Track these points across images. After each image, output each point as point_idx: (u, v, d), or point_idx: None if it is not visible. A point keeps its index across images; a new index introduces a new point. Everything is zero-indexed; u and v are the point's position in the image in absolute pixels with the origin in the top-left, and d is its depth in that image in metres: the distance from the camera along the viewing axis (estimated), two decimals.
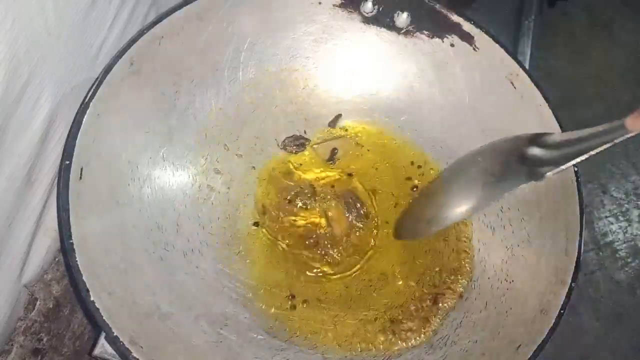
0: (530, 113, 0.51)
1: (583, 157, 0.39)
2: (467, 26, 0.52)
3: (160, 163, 0.50)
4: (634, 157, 1.06)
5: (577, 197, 0.47)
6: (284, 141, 0.56)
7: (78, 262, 0.39)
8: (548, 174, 0.40)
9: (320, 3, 0.53)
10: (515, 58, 0.51)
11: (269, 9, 0.52)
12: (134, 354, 0.38)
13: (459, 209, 0.46)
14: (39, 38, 0.39)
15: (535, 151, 0.42)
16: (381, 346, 0.48)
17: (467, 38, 0.52)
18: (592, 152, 0.38)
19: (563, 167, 0.40)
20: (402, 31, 0.54)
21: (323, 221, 0.54)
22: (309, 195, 0.55)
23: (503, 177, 0.43)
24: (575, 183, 0.48)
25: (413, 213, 0.53)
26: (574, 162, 0.40)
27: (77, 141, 0.41)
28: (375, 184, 0.56)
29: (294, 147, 0.56)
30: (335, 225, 0.54)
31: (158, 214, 0.48)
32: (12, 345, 0.50)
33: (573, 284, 0.44)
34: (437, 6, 0.52)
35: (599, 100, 1.09)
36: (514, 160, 0.43)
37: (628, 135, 0.36)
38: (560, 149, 0.41)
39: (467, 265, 0.52)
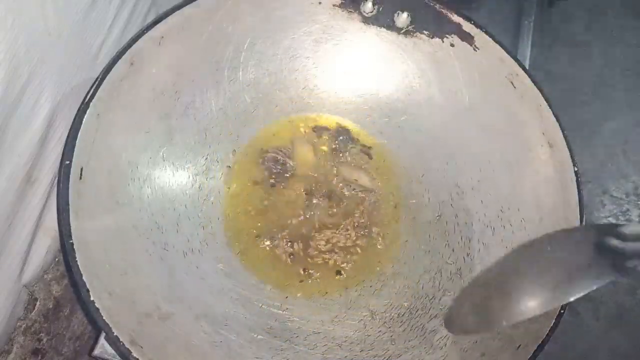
0: (530, 113, 0.51)
1: None
2: (467, 26, 0.52)
3: (160, 163, 0.50)
4: (634, 157, 1.06)
5: (577, 197, 0.47)
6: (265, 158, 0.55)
7: (78, 262, 0.39)
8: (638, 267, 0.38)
9: (320, 3, 0.53)
10: (515, 58, 0.51)
11: (269, 8, 0.52)
12: (134, 354, 0.38)
13: (533, 303, 0.42)
14: (39, 38, 0.39)
15: (614, 242, 0.39)
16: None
17: (467, 38, 0.52)
18: None
19: None
20: (402, 31, 0.54)
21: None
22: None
23: (584, 269, 0.40)
24: (575, 183, 0.48)
25: (473, 304, 0.47)
26: None
27: (77, 141, 0.41)
28: None
29: (275, 173, 0.55)
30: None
31: (158, 214, 0.48)
32: (12, 345, 0.50)
33: None
34: (437, 6, 0.52)
35: (599, 100, 1.09)
36: (592, 251, 0.40)
37: None
38: None
39: (467, 267, 0.52)
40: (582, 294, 0.40)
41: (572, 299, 0.40)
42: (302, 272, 0.52)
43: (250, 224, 0.53)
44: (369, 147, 0.57)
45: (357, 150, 0.57)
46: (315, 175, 0.55)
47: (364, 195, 0.55)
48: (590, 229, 0.42)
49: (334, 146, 0.57)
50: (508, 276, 0.46)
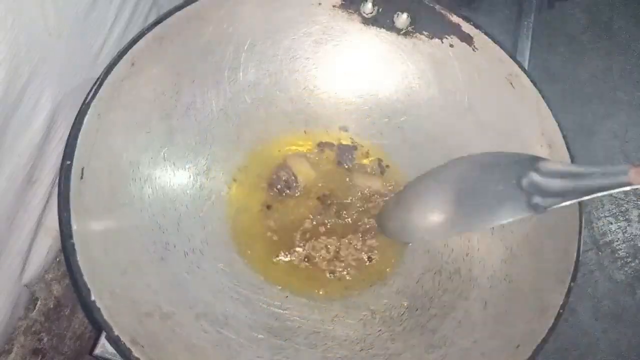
0: (529, 113, 0.51)
1: (583, 198, 0.39)
2: (466, 27, 0.52)
3: (161, 163, 0.50)
4: (634, 157, 1.06)
5: None
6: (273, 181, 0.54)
7: (79, 262, 0.39)
8: (548, 208, 0.40)
9: (320, 4, 0.53)
10: (514, 58, 0.51)
11: (269, 9, 0.52)
12: (135, 354, 0.38)
13: (446, 225, 0.46)
14: (39, 38, 0.39)
15: (535, 177, 0.41)
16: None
17: (467, 38, 0.52)
18: (591, 196, 0.39)
19: (562, 204, 0.40)
20: (402, 32, 0.54)
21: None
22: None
23: (502, 201, 0.42)
24: None
25: (398, 213, 0.52)
26: (574, 201, 0.40)
27: (78, 141, 0.42)
28: None
29: (282, 189, 0.54)
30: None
31: (159, 214, 0.48)
32: (12, 345, 0.50)
33: (572, 284, 0.45)
34: (437, 7, 0.52)
35: (598, 100, 1.09)
36: (514, 183, 0.42)
37: (628, 188, 0.36)
38: (561, 181, 0.40)
39: (467, 267, 0.52)
40: (495, 225, 0.43)
41: (483, 229, 0.42)
42: (329, 275, 0.52)
43: (255, 224, 0.53)
44: (387, 166, 0.57)
45: (367, 162, 0.57)
46: (326, 185, 0.56)
47: (378, 201, 0.55)
48: (519, 159, 0.43)
49: (338, 160, 0.57)
50: (431, 192, 0.48)
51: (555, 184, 0.40)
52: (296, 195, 0.55)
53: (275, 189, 0.54)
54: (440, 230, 0.47)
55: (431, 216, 0.47)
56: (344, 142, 0.57)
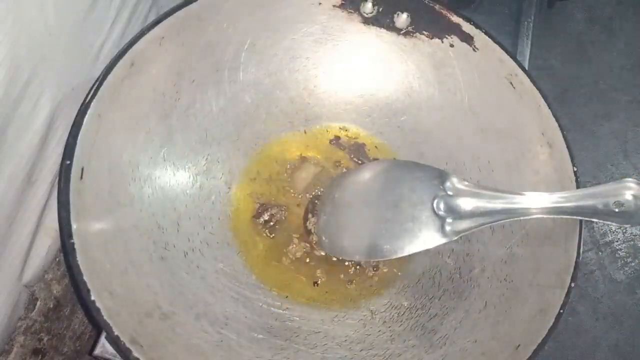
0: (529, 113, 0.51)
1: (495, 222, 0.42)
2: (466, 27, 0.52)
3: (161, 163, 0.50)
4: (633, 157, 1.06)
5: None
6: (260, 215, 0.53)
7: (79, 262, 0.39)
8: (460, 234, 0.42)
9: (320, 4, 0.53)
10: (514, 58, 0.51)
11: (269, 9, 0.52)
12: (135, 354, 0.38)
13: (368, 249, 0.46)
14: (39, 38, 0.39)
15: (447, 198, 0.43)
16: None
17: (467, 38, 0.52)
18: (504, 221, 0.41)
19: (473, 230, 0.42)
20: (402, 32, 0.54)
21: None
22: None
23: (420, 227, 0.44)
24: (575, 183, 0.48)
25: (329, 227, 0.51)
26: (484, 225, 0.42)
27: (77, 141, 0.41)
28: None
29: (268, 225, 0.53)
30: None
31: (159, 214, 0.48)
32: (12, 345, 0.50)
33: (572, 284, 0.45)
34: (437, 7, 0.52)
35: (598, 100, 1.09)
36: (429, 207, 0.43)
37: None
38: (471, 200, 0.42)
39: (467, 267, 0.52)
40: (410, 252, 0.44)
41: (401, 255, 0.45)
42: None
43: (254, 224, 0.53)
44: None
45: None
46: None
47: None
48: (432, 175, 0.45)
49: (353, 157, 0.57)
50: (357, 209, 0.49)
51: (467, 203, 0.42)
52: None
53: (263, 222, 0.53)
54: (367, 255, 0.48)
55: (359, 240, 0.48)
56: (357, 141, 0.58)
